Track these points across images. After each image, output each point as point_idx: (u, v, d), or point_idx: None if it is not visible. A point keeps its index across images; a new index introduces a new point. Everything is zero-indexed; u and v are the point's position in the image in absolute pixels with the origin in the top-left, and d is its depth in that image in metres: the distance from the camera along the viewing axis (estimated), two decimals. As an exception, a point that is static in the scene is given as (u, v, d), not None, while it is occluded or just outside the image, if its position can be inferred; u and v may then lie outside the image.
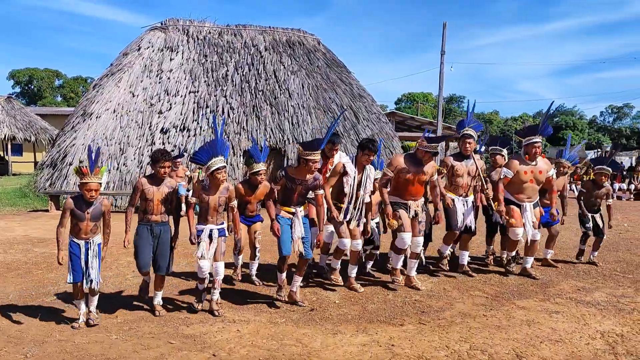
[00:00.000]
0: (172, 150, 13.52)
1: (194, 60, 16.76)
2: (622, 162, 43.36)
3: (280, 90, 16.28)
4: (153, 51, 16.77)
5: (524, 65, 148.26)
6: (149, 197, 5.09)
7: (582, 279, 6.68)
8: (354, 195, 5.92)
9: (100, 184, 4.91)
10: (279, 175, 5.34)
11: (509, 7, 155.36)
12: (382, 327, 4.89)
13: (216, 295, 5.30)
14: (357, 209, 5.98)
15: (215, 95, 15.78)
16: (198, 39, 17.46)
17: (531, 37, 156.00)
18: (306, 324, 4.94)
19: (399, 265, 6.27)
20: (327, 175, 6.03)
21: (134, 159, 14.22)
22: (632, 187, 18.72)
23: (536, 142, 6.49)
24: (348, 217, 5.96)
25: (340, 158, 6.12)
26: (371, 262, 6.87)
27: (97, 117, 14.92)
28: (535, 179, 6.56)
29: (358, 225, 6.05)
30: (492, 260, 7.48)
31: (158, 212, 5.13)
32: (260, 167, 5.78)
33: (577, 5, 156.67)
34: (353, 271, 6.18)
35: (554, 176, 6.70)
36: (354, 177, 5.88)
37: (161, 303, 5.35)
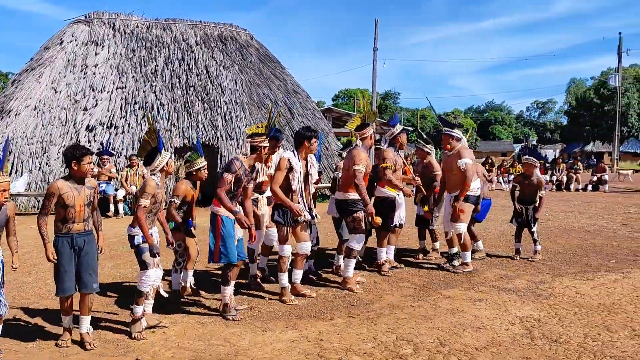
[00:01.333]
0: (99, 149, 13.00)
1: (121, 55, 16.15)
2: (545, 155, 45.72)
3: (213, 85, 15.98)
4: (77, 45, 16.04)
5: (456, 62, 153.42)
6: (69, 203, 4.23)
7: (505, 267, 6.95)
8: (303, 190, 5.64)
9: (9, 182, 4.20)
10: (240, 166, 5.05)
11: (441, 5, 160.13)
12: (312, 322, 4.89)
13: (150, 307, 4.86)
14: (306, 204, 5.66)
15: (144, 91, 15.28)
16: (125, 33, 16.84)
17: (463, 35, 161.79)
18: (235, 323, 4.87)
19: (352, 273, 6.01)
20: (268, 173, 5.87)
21: (58, 158, 13.55)
22: (554, 178, 19.68)
23: (445, 133, 6.81)
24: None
25: (282, 154, 5.74)
26: (312, 260, 6.51)
27: (16, 115, 14.10)
28: (449, 169, 6.80)
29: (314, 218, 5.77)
30: (421, 257, 7.57)
31: (81, 219, 4.31)
32: (204, 161, 5.62)
33: (505, 5, 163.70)
34: (299, 276, 5.74)
35: (462, 166, 6.56)
36: (300, 172, 5.60)
37: (91, 331, 4.48)
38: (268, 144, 5.33)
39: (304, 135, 5.60)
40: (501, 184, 19.63)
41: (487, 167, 20.02)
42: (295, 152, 5.61)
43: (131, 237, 4.68)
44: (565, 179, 19.48)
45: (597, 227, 10.20)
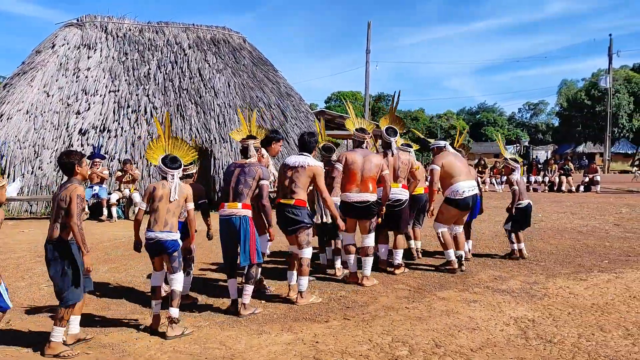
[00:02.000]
0: (91, 152, 12.96)
1: (113, 58, 16.13)
2: (537, 156, 45.96)
3: (206, 89, 15.98)
4: (69, 49, 16.00)
5: (448, 64, 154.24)
6: (84, 206, 4.31)
7: (499, 269, 6.99)
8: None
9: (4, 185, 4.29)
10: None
11: (433, 7, 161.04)
12: (308, 324, 4.89)
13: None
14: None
15: (137, 95, 15.27)
16: (118, 36, 16.82)
17: (455, 36, 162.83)
18: (231, 326, 4.87)
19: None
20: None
21: (50, 162, 13.51)
22: (547, 179, 19.77)
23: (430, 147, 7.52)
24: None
25: (309, 161, 5.58)
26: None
27: (8, 119, 14.05)
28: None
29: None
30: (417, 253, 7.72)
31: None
32: None
33: (497, 7, 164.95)
34: (305, 282, 5.62)
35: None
36: None
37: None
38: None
39: (316, 140, 5.86)
40: (494, 185, 19.71)
41: (479, 169, 20.15)
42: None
43: (172, 242, 4.74)
44: (557, 180, 19.58)
45: (590, 228, 10.27)
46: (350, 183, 6.14)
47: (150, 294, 4.92)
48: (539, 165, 22.14)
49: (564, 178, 19.40)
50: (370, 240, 6.24)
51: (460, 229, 6.96)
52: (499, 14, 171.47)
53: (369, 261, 6.25)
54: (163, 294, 4.96)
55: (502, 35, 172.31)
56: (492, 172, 20.35)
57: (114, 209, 12.39)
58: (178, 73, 16.22)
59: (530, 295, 5.70)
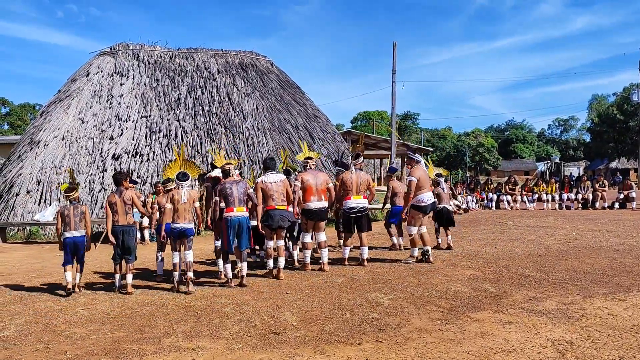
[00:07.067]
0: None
1: (145, 84, 16.56)
2: (571, 173, 45.03)
3: (235, 112, 16.25)
4: (102, 76, 16.50)
5: (474, 82, 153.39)
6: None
7: (534, 289, 6.85)
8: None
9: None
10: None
11: (457, 25, 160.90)
12: (340, 347, 4.87)
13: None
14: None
15: (168, 120, 15.61)
16: (149, 63, 17.28)
17: (480, 54, 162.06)
18: (263, 349, 4.88)
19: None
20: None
21: (85, 186, 13.85)
22: (580, 196, 19.31)
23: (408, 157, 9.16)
24: None
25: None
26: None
27: (45, 145, 14.50)
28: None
29: None
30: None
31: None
32: None
33: (520, 24, 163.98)
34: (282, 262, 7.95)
35: (406, 182, 8.70)
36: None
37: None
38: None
39: (275, 163, 8.23)
40: (525, 203, 19.36)
41: (510, 186, 19.85)
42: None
43: (191, 229, 7.18)
44: (590, 197, 19.12)
45: (627, 246, 9.99)
46: (309, 195, 8.16)
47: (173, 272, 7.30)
48: (572, 182, 21.59)
49: (597, 195, 18.93)
50: (323, 236, 8.41)
51: (424, 229, 8.82)
52: (522, 32, 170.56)
53: (325, 252, 8.34)
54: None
55: (527, 52, 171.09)
56: (523, 190, 19.99)
57: (146, 232, 12.60)
58: (207, 97, 16.54)
59: (567, 316, 5.57)
